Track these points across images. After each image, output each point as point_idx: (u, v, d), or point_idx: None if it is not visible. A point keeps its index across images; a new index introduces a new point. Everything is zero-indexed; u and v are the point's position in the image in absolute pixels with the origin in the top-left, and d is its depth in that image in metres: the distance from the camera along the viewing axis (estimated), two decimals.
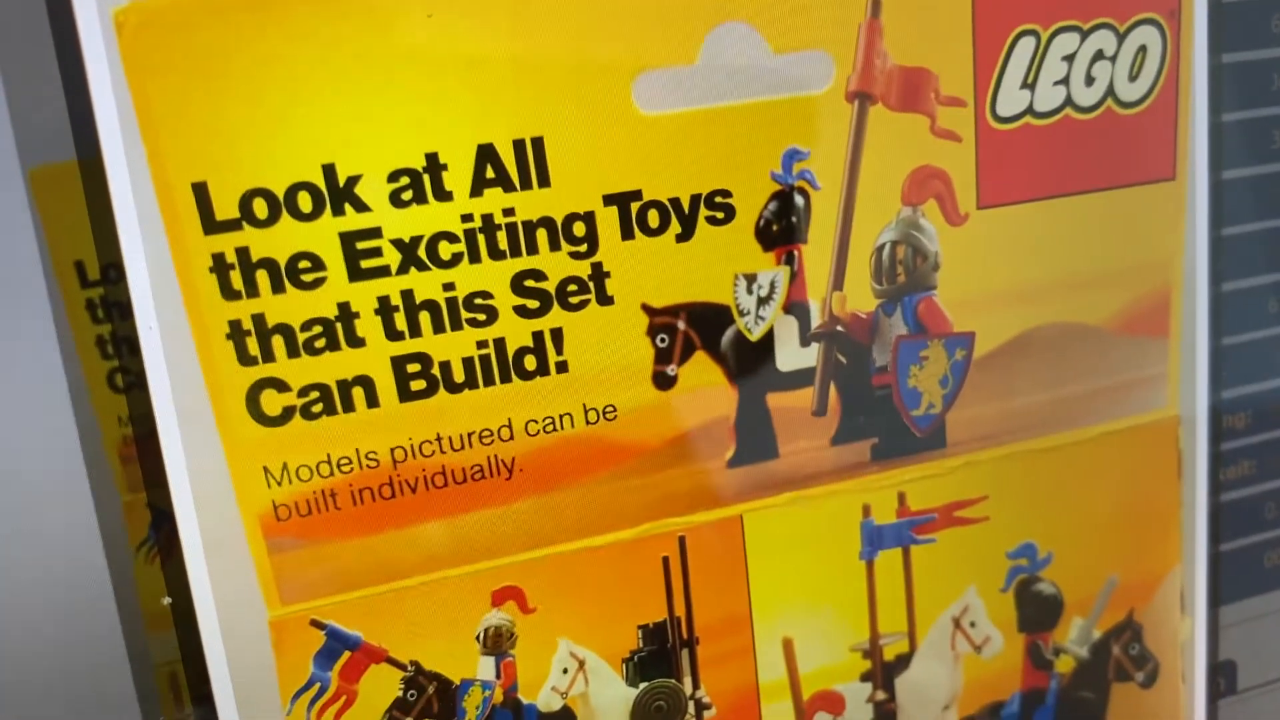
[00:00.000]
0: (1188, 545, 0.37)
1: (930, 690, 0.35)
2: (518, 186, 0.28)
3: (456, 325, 0.28)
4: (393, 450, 0.28)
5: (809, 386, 0.31)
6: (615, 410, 0.30)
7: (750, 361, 0.31)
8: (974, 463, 0.33)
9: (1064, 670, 0.36)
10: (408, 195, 0.27)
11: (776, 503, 0.32)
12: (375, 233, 0.27)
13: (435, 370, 0.28)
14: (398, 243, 0.27)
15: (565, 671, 0.31)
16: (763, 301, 0.30)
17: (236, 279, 0.26)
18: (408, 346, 0.28)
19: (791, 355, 0.31)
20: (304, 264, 0.27)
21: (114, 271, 0.26)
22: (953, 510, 0.34)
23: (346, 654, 0.29)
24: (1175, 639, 0.37)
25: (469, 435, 0.29)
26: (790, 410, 0.31)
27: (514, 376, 0.29)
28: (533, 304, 0.28)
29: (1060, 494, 0.35)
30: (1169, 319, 0.35)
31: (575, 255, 0.28)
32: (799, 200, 0.30)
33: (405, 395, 0.28)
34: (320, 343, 0.27)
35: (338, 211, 0.27)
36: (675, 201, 0.29)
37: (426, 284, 0.27)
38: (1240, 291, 0.36)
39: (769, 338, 0.31)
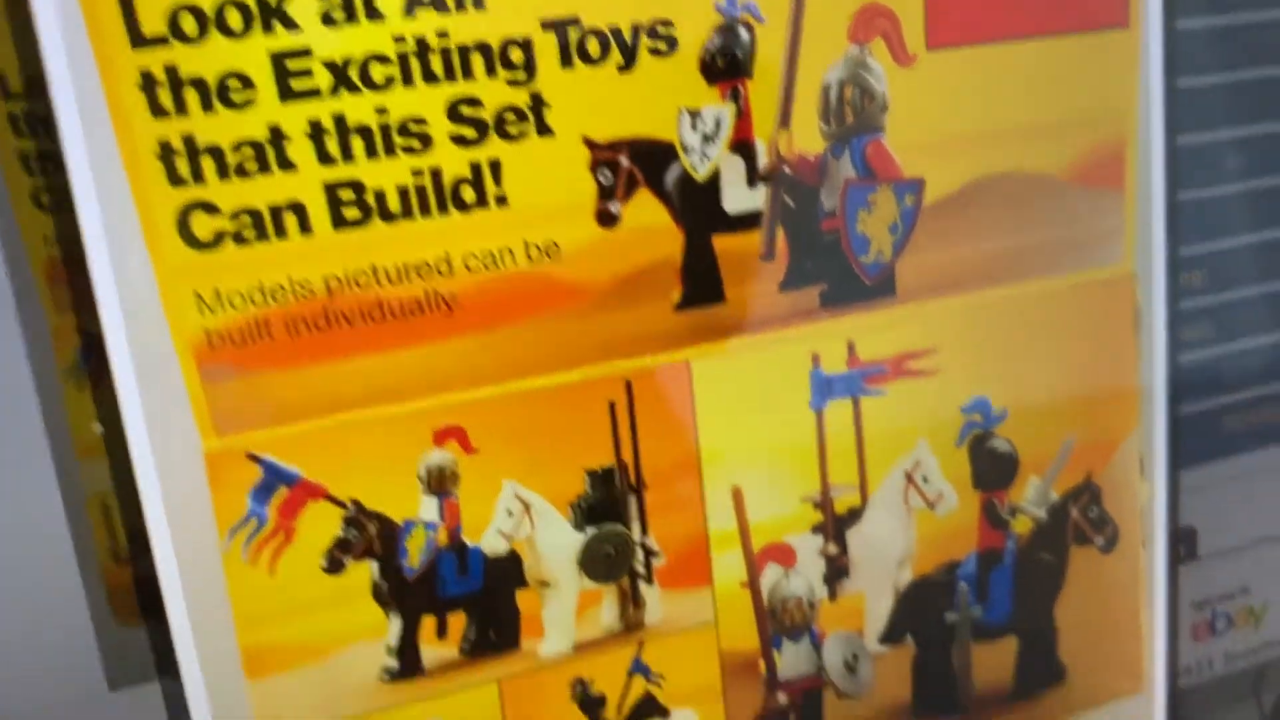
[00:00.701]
0: (1146, 407, 0.36)
1: (883, 545, 0.34)
2: (451, 8, 0.27)
3: (390, 151, 0.27)
4: (326, 280, 0.28)
5: (756, 229, 0.31)
6: (558, 247, 0.29)
7: (696, 202, 0.30)
8: (924, 313, 0.33)
9: (1021, 531, 0.36)
10: (338, 14, 0.26)
11: (725, 349, 0.31)
12: (305, 53, 0.26)
13: (369, 198, 0.28)
14: (329, 64, 0.27)
15: (510, 514, 0.30)
16: (708, 139, 0.30)
17: (165, 96, 0.26)
18: (340, 173, 0.27)
19: (738, 197, 0.31)
20: (233, 83, 0.26)
21: (38, 85, 0.25)
22: (903, 361, 0.33)
23: (284, 490, 0.28)
24: (1135, 503, 0.37)
25: (405, 268, 0.28)
26: (737, 253, 0.31)
27: (451, 208, 0.28)
28: (469, 133, 0.28)
29: (1014, 349, 0.34)
30: (1123, 171, 0.34)
31: (513, 83, 0.28)
32: (743, 33, 0.30)
33: (338, 223, 0.27)
34: (251, 165, 0.27)
35: (267, 29, 0.26)
36: (616, 30, 0.29)
37: (358, 107, 0.27)
38: (1197, 146, 0.35)
39: (715, 178, 0.30)
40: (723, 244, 0.31)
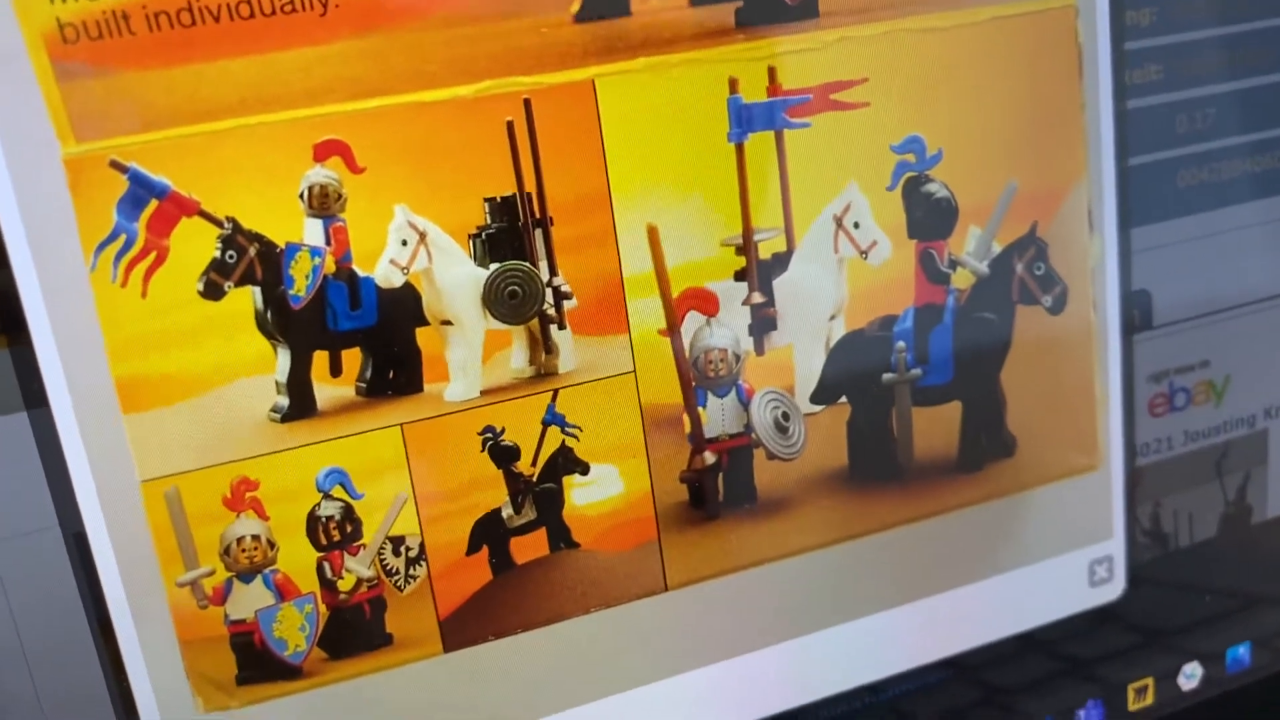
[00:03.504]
0: (1093, 156, 0.34)
1: (812, 295, 0.32)
2: None
3: None
4: None
5: None
6: None
7: None
8: (851, 38, 0.31)
9: (962, 286, 0.34)
10: None
11: (632, 68, 0.29)
12: None
13: None
14: None
15: (405, 243, 0.29)
16: None
17: None
18: None
19: None
20: None
21: None
22: (829, 92, 0.31)
23: (154, 203, 0.27)
24: (1084, 261, 0.35)
25: None
26: None
27: None
28: None
29: (948, 83, 0.32)
30: None
31: None
32: None
33: None
34: None
35: None
36: None
37: None
38: None
39: None
40: None
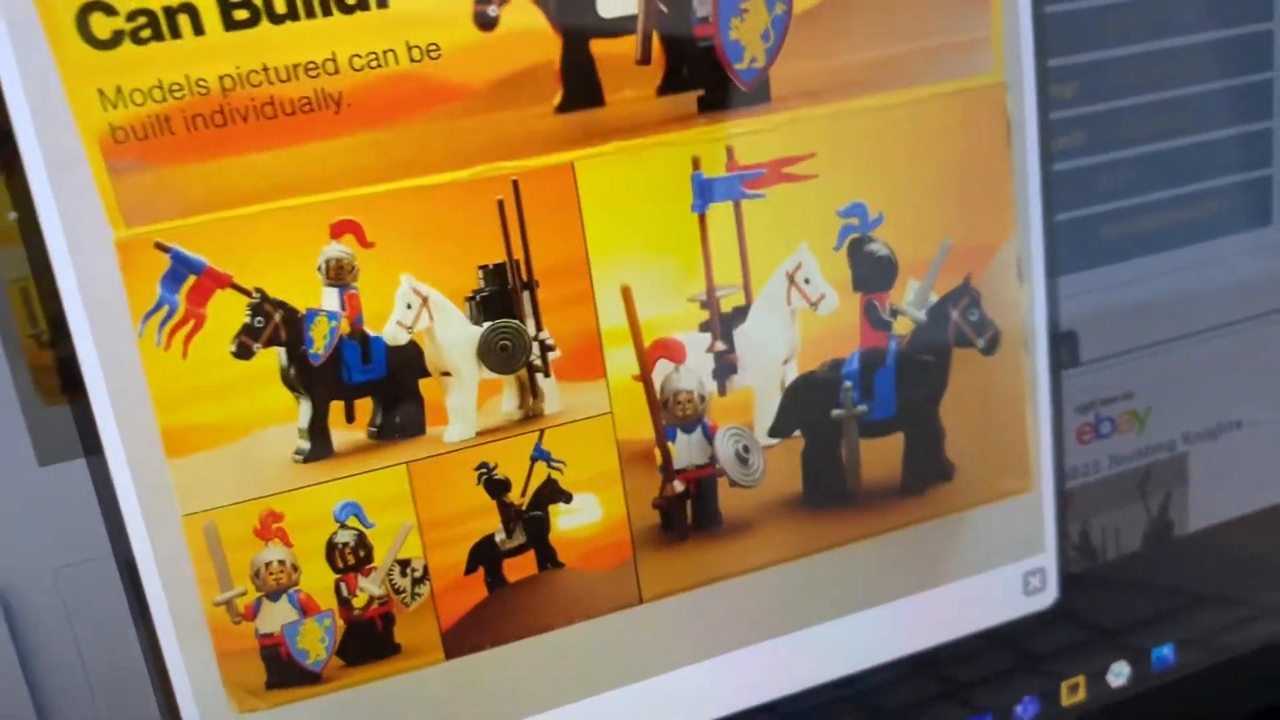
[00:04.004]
0: (1022, 214, 0.39)
1: (768, 343, 0.37)
2: None
3: None
4: (221, 79, 0.30)
5: (633, 34, 0.33)
6: (438, 49, 0.31)
7: (571, 5, 0.32)
8: (800, 119, 0.35)
9: (903, 332, 0.38)
10: None
11: (606, 151, 0.33)
12: None
13: (257, 0, 0.30)
14: None
15: (409, 307, 0.33)
16: None
17: None
18: None
19: (613, 1, 0.33)
20: None
21: None
22: (781, 166, 0.35)
23: (192, 278, 0.31)
24: (1015, 307, 0.39)
25: (294, 67, 0.30)
26: (615, 58, 0.33)
27: (334, 10, 0.30)
28: None
29: (888, 155, 0.36)
30: None
31: None
32: None
33: (229, 24, 0.30)
34: None
35: None
36: None
37: None
38: None
39: None
40: (600, 48, 0.33)
